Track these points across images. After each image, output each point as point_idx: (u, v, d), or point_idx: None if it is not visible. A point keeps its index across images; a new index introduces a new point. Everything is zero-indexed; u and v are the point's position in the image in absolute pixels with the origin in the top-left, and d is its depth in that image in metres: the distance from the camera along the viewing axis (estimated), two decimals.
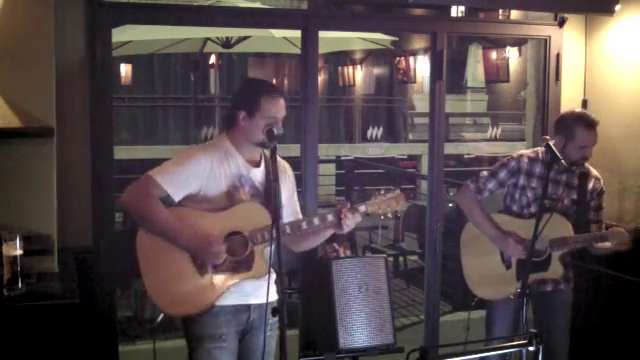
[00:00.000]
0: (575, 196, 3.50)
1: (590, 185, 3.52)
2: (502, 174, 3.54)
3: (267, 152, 2.91)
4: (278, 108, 2.84)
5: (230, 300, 2.79)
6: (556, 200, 3.46)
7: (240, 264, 2.78)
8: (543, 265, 3.41)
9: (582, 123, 3.37)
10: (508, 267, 3.48)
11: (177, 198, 2.74)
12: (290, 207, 3.03)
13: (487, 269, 3.53)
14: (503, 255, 3.50)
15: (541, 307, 3.58)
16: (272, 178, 2.65)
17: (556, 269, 3.42)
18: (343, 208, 2.86)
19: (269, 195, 2.85)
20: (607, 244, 3.39)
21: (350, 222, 2.86)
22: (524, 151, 3.63)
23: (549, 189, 3.45)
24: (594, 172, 3.57)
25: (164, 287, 2.74)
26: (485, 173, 3.60)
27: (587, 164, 3.54)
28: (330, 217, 2.86)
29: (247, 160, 2.88)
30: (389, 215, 2.98)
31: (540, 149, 3.53)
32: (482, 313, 3.74)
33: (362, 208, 2.90)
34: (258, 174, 2.90)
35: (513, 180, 3.53)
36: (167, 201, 2.75)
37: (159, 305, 2.77)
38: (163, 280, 2.74)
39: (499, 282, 3.45)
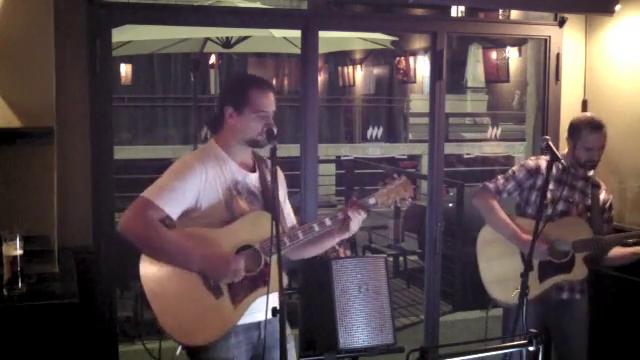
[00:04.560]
0: (589, 202, 3.54)
1: (602, 196, 3.57)
2: (521, 175, 3.55)
3: (259, 154, 2.80)
4: (268, 101, 2.67)
5: (241, 319, 2.63)
6: (573, 203, 3.50)
7: (256, 279, 2.62)
8: (566, 267, 3.43)
9: (587, 125, 3.45)
10: (530, 270, 3.45)
11: (176, 216, 2.58)
12: (286, 211, 2.91)
13: (507, 271, 3.47)
14: (524, 257, 3.46)
15: (557, 317, 3.56)
16: (272, 178, 2.51)
17: (580, 270, 3.43)
18: (346, 209, 2.73)
19: (267, 200, 2.71)
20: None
21: (356, 223, 2.74)
22: (542, 156, 3.65)
23: (566, 192, 3.49)
24: (604, 185, 3.62)
25: (179, 318, 2.54)
26: (503, 175, 3.61)
27: (596, 177, 3.58)
28: (328, 222, 2.72)
29: (240, 164, 2.73)
30: (398, 204, 2.87)
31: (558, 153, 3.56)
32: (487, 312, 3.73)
33: (371, 201, 2.78)
34: (254, 179, 2.75)
35: (531, 181, 3.53)
36: (165, 222, 2.60)
37: (178, 339, 2.55)
38: (177, 311, 2.54)
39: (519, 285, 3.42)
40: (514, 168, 3.62)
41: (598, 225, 3.52)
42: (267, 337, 2.68)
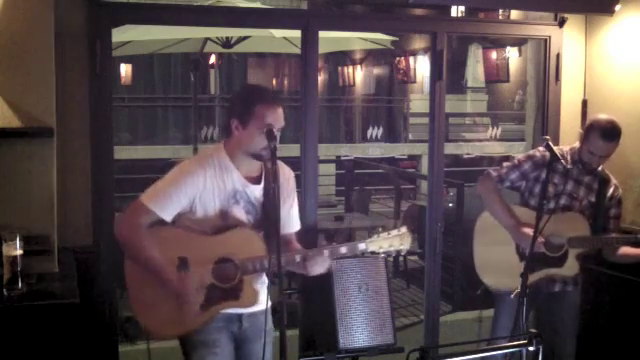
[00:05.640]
0: (594, 199, 3.51)
1: (609, 191, 3.54)
2: (527, 166, 3.52)
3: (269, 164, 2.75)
4: (275, 117, 2.65)
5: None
6: (576, 199, 3.48)
7: (227, 292, 2.68)
8: (559, 261, 3.42)
9: (598, 130, 3.37)
10: (522, 259, 3.46)
11: (169, 219, 2.66)
12: (289, 220, 2.90)
13: (499, 259, 3.50)
14: (518, 247, 3.48)
15: (547, 308, 3.57)
16: (272, 179, 2.53)
17: (572, 266, 3.43)
18: (309, 254, 2.70)
19: (266, 213, 2.73)
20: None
21: (317, 268, 2.70)
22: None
23: (569, 186, 3.46)
24: (614, 180, 3.59)
25: (149, 309, 2.70)
26: (508, 163, 3.58)
27: (607, 171, 3.56)
28: (297, 259, 2.72)
29: (244, 175, 2.74)
30: (392, 255, 2.79)
31: (564, 147, 3.55)
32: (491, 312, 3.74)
33: (362, 246, 2.75)
34: (256, 191, 2.76)
35: (536, 173, 3.51)
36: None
37: (144, 326, 2.74)
38: (149, 303, 2.69)
39: (510, 273, 3.37)
40: (520, 157, 3.58)
41: (601, 222, 3.51)
42: (249, 329, 2.81)
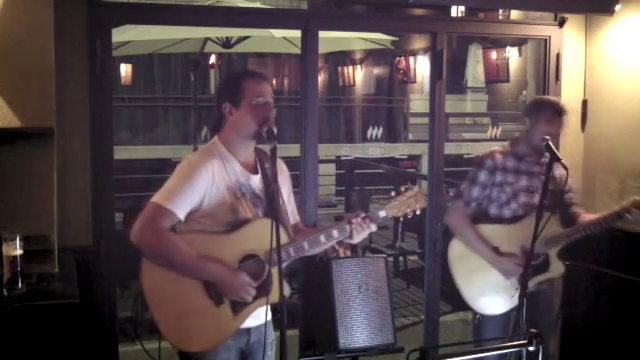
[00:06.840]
0: (550, 186, 3.47)
1: (556, 173, 3.37)
2: (482, 176, 3.47)
3: (261, 149, 2.77)
4: (264, 90, 2.64)
5: None
6: (534, 192, 3.41)
7: (258, 289, 2.59)
8: (544, 266, 3.39)
9: (551, 107, 3.39)
10: (507, 277, 3.40)
11: (183, 217, 2.55)
12: (289, 209, 2.88)
13: (486, 283, 3.44)
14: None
15: (526, 307, 3.55)
16: (272, 179, 2.52)
17: (557, 267, 3.39)
18: (355, 218, 2.70)
19: (271, 202, 2.67)
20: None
21: (361, 236, 2.71)
22: (493, 148, 3.60)
23: (524, 181, 3.43)
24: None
25: (179, 325, 2.55)
26: (464, 184, 3.53)
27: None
28: (336, 234, 2.69)
29: (243, 165, 2.69)
30: (409, 216, 2.80)
31: (507, 143, 3.55)
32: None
33: (382, 213, 2.73)
34: (257, 181, 2.72)
35: (492, 179, 3.46)
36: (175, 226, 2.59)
37: (176, 345, 2.58)
38: (177, 317, 2.54)
39: (501, 294, 3.39)
40: (472, 172, 3.51)
41: (563, 206, 3.46)
42: (255, 343, 2.74)
